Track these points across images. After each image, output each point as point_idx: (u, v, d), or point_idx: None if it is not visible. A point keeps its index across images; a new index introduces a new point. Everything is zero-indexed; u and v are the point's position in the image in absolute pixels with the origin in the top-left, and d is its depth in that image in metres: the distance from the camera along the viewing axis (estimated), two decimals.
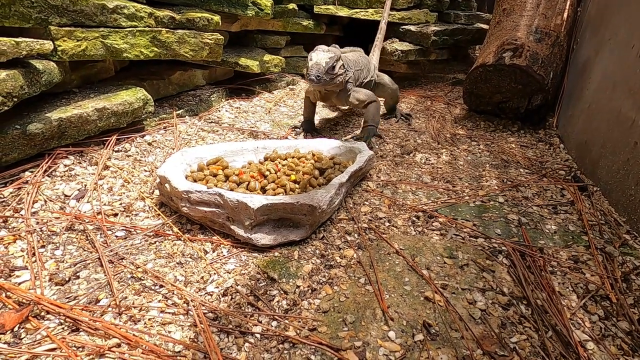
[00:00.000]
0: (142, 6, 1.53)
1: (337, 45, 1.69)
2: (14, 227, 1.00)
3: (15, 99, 1.08)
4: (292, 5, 2.41)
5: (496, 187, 1.42)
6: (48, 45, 1.18)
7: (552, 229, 1.19)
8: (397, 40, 2.75)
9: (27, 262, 0.90)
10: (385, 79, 2.01)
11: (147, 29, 1.53)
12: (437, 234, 1.13)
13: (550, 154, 1.73)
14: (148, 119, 1.64)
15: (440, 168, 1.56)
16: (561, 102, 2.03)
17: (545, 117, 2.06)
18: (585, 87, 1.74)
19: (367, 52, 2.19)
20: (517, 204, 1.32)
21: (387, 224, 1.17)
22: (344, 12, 2.66)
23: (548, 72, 1.88)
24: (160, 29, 1.58)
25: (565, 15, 2.04)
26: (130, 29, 1.48)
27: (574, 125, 1.76)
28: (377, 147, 1.72)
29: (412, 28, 2.68)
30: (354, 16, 2.66)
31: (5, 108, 1.05)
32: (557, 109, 2.04)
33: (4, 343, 0.71)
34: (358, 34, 2.95)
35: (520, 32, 2.00)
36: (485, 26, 3.01)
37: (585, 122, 1.64)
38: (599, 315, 0.88)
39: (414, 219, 1.20)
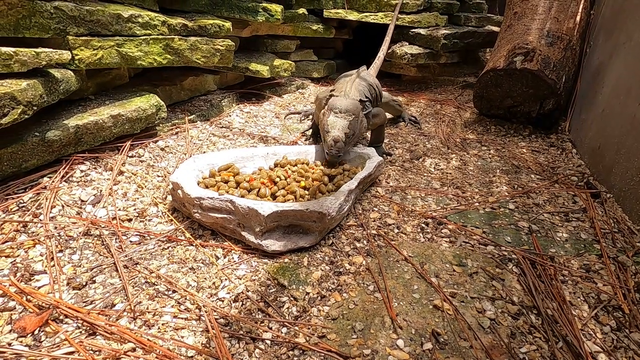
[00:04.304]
0: (156, 14, 1.56)
1: (349, 80, 1.58)
2: (33, 232, 1.04)
3: (35, 108, 1.12)
4: (301, 10, 2.44)
5: (507, 194, 1.41)
6: (66, 55, 1.22)
7: (564, 236, 1.18)
8: (407, 43, 2.75)
9: (46, 266, 0.93)
10: (387, 97, 1.95)
11: (160, 36, 1.56)
12: (446, 241, 1.13)
13: (563, 160, 1.71)
14: (161, 125, 1.67)
15: (450, 173, 1.56)
16: (574, 107, 2.00)
17: (557, 122, 2.04)
18: (598, 91, 1.71)
19: (375, 55, 2.20)
20: (528, 211, 1.31)
21: (396, 230, 1.17)
22: (353, 16, 2.67)
23: (560, 76, 1.86)
24: (173, 36, 1.61)
25: (577, 18, 2.02)
26: (144, 37, 1.51)
27: (587, 130, 1.73)
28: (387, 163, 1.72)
29: (422, 31, 2.67)
30: (363, 20, 2.67)
31: (26, 116, 1.09)
32: (570, 113, 2.02)
33: (25, 346, 0.74)
34: (367, 38, 2.96)
35: (531, 36, 1.98)
36: (496, 29, 2.99)
37: (598, 127, 1.62)
38: (611, 326, 0.87)
39: (423, 225, 1.20)
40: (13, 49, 1.08)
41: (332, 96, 1.46)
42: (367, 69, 1.96)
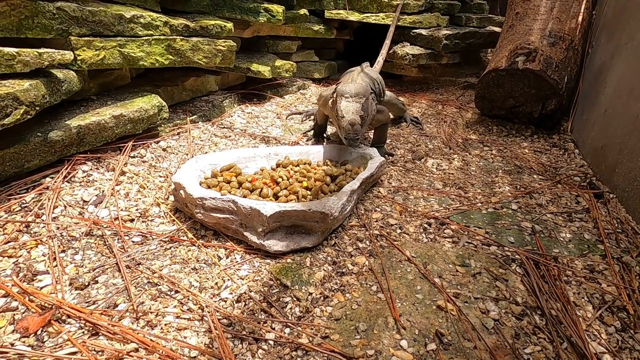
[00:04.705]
0: (158, 15, 1.56)
1: (356, 74, 1.60)
2: (35, 232, 1.03)
3: (38, 108, 1.12)
4: (303, 11, 2.44)
5: (509, 194, 1.41)
6: (69, 55, 1.22)
7: (567, 237, 1.17)
8: (408, 44, 2.75)
9: (48, 266, 0.93)
10: (390, 95, 1.95)
11: (162, 37, 1.56)
12: (449, 242, 1.13)
13: (565, 160, 1.71)
14: (162, 125, 1.67)
15: (452, 174, 1.56)
16: (576, 107, 2.00)
17: (559, 122, 2.03)
18: (600, 91, 1.71)
19: (377, 56, 2.19)
20: (531, 211, 1.30)
21: (398, 230, 1.17)
22: (354, 16, 2.67)
23: (562, 76, 1.86)
24: (175, 37, 1.61)
25: (579, 18, 2.02)
26: (146, 37, 1.51)
27: (589, 130, 1.73)
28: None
29: (423, 32, 2.67)
30: (364, 21, 2.67)
31: (29, 117, 1.09)
32: (572, 113, 2.01)
33: (28, 346, 0.74)
34: (368, 38, 2.96)
35: (533, 36, 1.98)
36: (497, 29, 2.99)
37: (601, 128, 1.61)
38: (615, 327, 0.86)
39: (426, 225, 1.20)
40: (16, 50, 1.08)
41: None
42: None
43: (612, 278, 1.00)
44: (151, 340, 0.77)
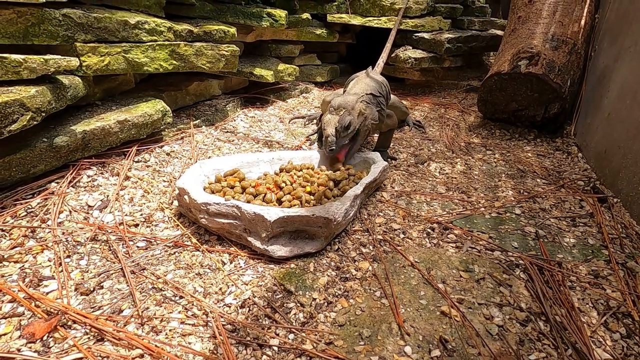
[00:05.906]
0: (162, 21, 1.58)
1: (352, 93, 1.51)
2: (41, 237, 1.04)
3: (44, 114, 1.13)
4: (305, 15, 2.45)
5: (512, 198, 1.40)
6: (74, 61, 1.23)
7: (571, 242, 1.17)
8: (410, 47, 2.75)
9: (54, 271, 0.94)
10: (394, 99, 1.96)
11: (166, 42, 1.58)
12: (452, 247, 1.13)
13: (568, 164, 1.71)
14: (166, 130, 1.68)
15: (455, 178, 1.56)
16: (579, 111, 2.00)
17: (562, 126, 2.03)
18: (604, 95, 1.71)
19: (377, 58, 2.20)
20: (534, 216, 1.30)
21: (401, 235, 1.17)
22: (357, 20, 2.68)
23: (565, 80, 1.86)
24: (178, 42, 1.62)
25: (582, 22, 2.02)
26: (151, 43, 1.53)
27: (592, 134, 1.73)
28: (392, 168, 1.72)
29: (426, 35, 2.68)
30: (366, 24, 2.68)
31: (35, 123, 1.10)
32: (575, 117, 2.01)
33: (34, 352, 0.75)
34: (371, 42, 2.97)
35: (536, 40, 1.98)
36: (499, 32, 2.99)
37: (604, 132, 1.61)
38: (620, 333, 0.86)
39: (429, 230, 1.20)
40: (22, 56, 1.09)
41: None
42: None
43: (617, 284, 0.99)
44: (156, 346, 0.77)
